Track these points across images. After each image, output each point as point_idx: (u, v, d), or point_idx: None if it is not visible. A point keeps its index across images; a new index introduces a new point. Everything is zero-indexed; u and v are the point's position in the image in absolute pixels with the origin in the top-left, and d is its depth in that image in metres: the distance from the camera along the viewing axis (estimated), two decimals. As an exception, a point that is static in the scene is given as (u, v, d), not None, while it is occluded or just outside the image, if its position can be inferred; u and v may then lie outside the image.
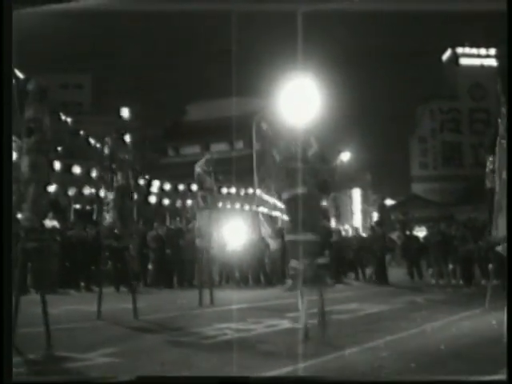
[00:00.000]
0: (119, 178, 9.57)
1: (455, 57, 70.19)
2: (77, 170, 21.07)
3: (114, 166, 9.54)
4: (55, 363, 6.06)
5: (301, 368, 5.59)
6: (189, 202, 25.51)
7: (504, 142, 8.03)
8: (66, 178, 20.83)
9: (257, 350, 6.81)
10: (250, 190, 31.42)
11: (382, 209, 58.63)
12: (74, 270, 16.64)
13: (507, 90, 4.84)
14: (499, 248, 8.62)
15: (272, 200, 34.40)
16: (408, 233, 23.49)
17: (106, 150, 9.71)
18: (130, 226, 9.97)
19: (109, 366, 5.81)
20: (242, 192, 30.84)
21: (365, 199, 62.17)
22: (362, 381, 5.23)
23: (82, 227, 17.24)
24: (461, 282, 17.84)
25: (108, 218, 9.60)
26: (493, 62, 64.18)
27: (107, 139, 9.85)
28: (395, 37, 68.32)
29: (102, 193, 9.78)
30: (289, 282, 19.50)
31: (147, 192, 24.72)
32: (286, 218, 9.55)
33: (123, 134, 10.10)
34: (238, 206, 29.55)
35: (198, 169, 12.49)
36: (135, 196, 22.27)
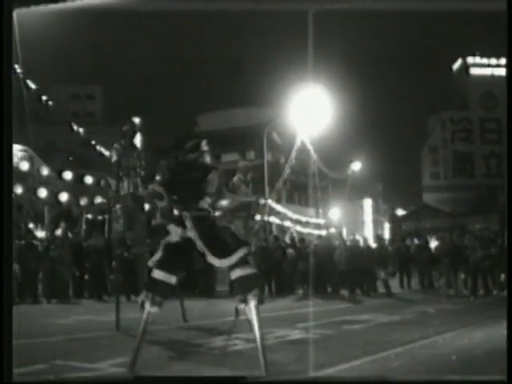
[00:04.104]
0: (126, 185, 9.31)
1: (465, 66, 69.89)
2: (89, 180, 21.09)
3: (121, 173, 9.29)
4: (65, 373, 6.07)
5: (310, 378, 5.58)
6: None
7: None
8: (77, 187, 20.89)
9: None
10: (262, 200, 31.37)
11: (393, 219, 58.39)
12: (86, 280, 16.70)
13: (507, 91, 4.80)
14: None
15: (283, 210, 34.34)
16: (419, 243, 23.29)
17: (114, 157, 9.49)
18: (140, 235, 9.75)
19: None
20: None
21: (376, 209, 61.89)
22: (364, 381, 5.21)
23: (93, 237, 17.26)
24: (472, 291, 17.71)
25: (118, 227, 9.37)
26: (503, 72, 63.85)
27: (115, 145, 9.64)
28: (407, 45, 68.27)
29: (111, 201, 9.40)
30: (299, 291, 19.52)
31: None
32: None
33: (132, 141, 9.84)
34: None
35: (235, 178, 12.34)
36: (147, 205, 22.42)
